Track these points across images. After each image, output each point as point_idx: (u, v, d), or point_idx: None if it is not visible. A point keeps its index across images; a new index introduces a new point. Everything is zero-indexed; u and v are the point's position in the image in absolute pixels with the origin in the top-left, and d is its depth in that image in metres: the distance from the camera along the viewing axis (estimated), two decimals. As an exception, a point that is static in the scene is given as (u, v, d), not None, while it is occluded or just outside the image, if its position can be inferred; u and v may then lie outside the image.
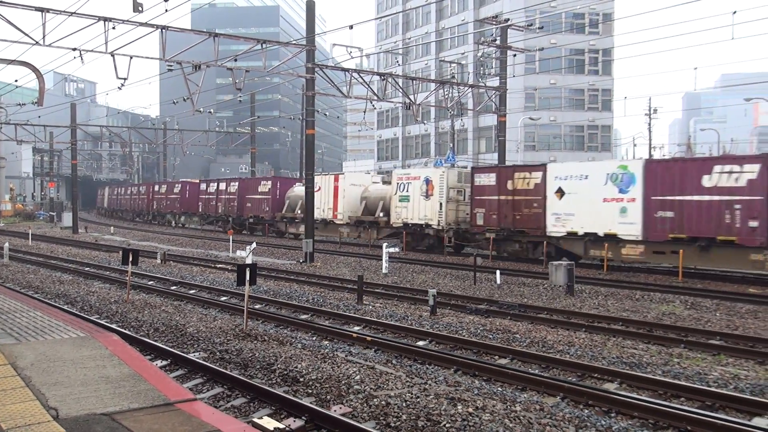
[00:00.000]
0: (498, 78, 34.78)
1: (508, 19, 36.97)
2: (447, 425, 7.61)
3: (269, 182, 44.27)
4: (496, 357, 11.58)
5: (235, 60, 25.17)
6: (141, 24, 23.08)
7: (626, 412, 8.63)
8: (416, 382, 9.51)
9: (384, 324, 14.17)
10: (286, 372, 9.91)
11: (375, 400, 8.51)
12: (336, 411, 8.13)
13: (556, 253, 25.85)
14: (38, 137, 52.81)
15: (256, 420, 7.68)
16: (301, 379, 9.53)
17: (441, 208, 30.79)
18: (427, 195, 31.47)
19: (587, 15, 60.37)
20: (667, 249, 22.69)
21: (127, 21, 22.74)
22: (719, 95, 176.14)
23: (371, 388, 9.02)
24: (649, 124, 61.34)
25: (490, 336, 13.15)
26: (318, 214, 36.26)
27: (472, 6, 65.54)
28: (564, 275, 19.50)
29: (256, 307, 16.58)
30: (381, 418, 7.97)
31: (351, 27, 24.45)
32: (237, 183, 48.08)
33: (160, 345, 11.72)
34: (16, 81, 33.89)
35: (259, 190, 44.37)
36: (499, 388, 9.65)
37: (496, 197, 28.13)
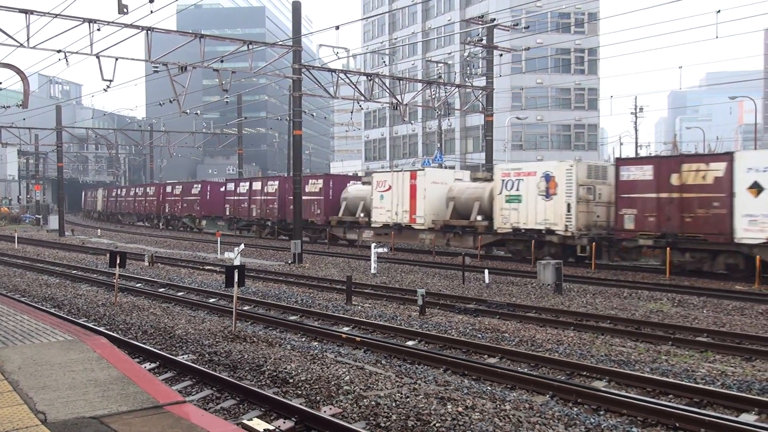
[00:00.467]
0: (485, 78, 34.85)
1: (494, 19, 37.10)
2: (437, 425, 7.62)
3: (320, 181, 38.51)
4: (486, 356, 11.61)
5: (222, 61, 25.07)
6: (126, 25, 22.97)
7: (615, 409, 8.67)
8: (406, 382, 9.51)
9: (373, 324, 14.17)
10: (275, 373, 9.89)
11: (365, 400, 8.51)
12: (326, 412, 8.12)
13: (745, 265, 21.09)
14: (23, 140, 52.48)
15: (245, 422, 7.66)
16: (291, 381, 9.52)
17: (569, 210, 25.43)
18: (548, 194, 26.10)
19: (573, 15, 60.67)
20: None
21: (113, 23, 22.63)
22: (704, 94, 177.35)
23: (361, 389, 9.02)
24: (636, 123, 61.71)
25: (480, 335, 13.18)
26: (386, 218, 32.73)
27: (458, 6, 65.68)
28: (552, 274, 19.58)
29: (245, 308, 16.54)
30: (371, 418, 7.97)
31: (337, 28, 24.43)
32: (277, 182, 42.53)
33: (149, 347, 11.67)
34: (0, 83, 33.68)
35: (308, 191, 38.01)
36: (489, 387, 9.67)
37: (654, 195, 23.05)
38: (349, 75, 28.90)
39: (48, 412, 5.70)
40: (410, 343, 12.68)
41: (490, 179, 29.31)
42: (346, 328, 14.11)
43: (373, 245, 25.17)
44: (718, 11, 27.09)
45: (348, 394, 8.80)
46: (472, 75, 41.89)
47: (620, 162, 24.93)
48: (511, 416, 7.95)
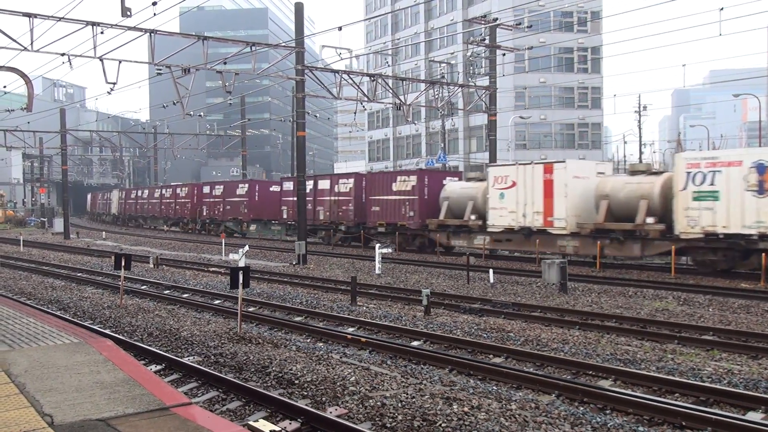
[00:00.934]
0: (488, 77, 34.86)
1: (497, 19, 37.06)
2: (443, 425, 7.62)
3: (412, 178, 32.71)
4: (491, 356, 11.60)
5: (225, 63, 25.13)
6: (129, 28, 23.02)
7: (621, 408, 8.66)
8: (411, 382, 9.51)
9: (378, 325, 14.18)
10: (281, 374, 9.90)
11: (370, 401, 8.51)
12: (332, 413, 8.13)
13: None
14: (28, 143, 52.56)
15: (252, 423, 7.68)
16: (296, 382, 9.53)
17: None
18: (762, 189, 21.04)
19: (575, 13, 60.61)
20: None
21: (116, 25, 22.68)
22: (708, 91, 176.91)
23: (366, 389, 9.02)
24: (639, 122, 61.61)
25: (485, 335, 13.17)
26: (509, 220, 27.41)
27: (461, 6, 65.67)
28: (557, 273, 19.56)
29: (250, 309, 16.56)
30: (377, 419, 7.98)
31: (340, 29, 24.45)
32: (353, 180, 36.79)
33: (155, 349, 11.69)
34: (4, 87, 33.76)
35: (395, 189, 33.15)
36: (495, 387, 9.67)
37: None
38: (352, 76, 28.93)
39: (55, 414, 5.72)
40: (415, 343, 12.68)
41: (658, 172, 24.70)
42: (351, 329, 14.12)
43: (377, 246, 25.14)
44: (722, 8, 27.00)
45: (353, 395, 8.80)
46: (475, 75, 41.91)
47: None
48: (517, 416, 7.94)
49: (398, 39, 74.36)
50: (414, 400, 8.49)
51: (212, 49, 25.20)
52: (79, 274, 25.08)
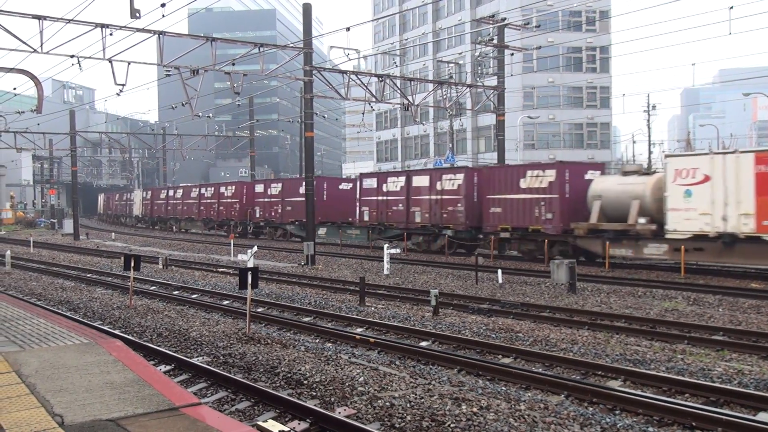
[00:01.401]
0: (496, 77, 34.79)
1: (505, 19, 37.02)
2: (452, 425, 7.61)
3: (550, 172, 26.52)
4: (500, 356, 11.58)
5: (233, 64, 25.17)
6: (138, 30, 23.09)
7: (631, 409, 8.62)
8: (420, 382, 9.51)
9: (387, 325, 14.18)
10: (289, 375, 9.91)
11: (379, 401, 8.52)
12: (340, 413, 8.13)
13: None
14: (38, 145, 52.79)
15: (261, 423, 7.70)
16: (305, 382, 9.54)
17: None
18: None
19: (584, 13, 60.43)
20: None
21: (125, 27, 22.75)
22: (717, 90, 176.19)
23: (375, 390, 9.02)
24: (648, 121, 61.42)
25: (493, 335, 13.15)
26: (701, 224, 21.77)
27: (469, 6, 65.60)
28: (566, 273, 19.52)
29: (259, 310, 16.59)
30: (385, 419, 7.98)
31: (348, 29, 24.46)
32: (462, 175, 30.56)
33: (164, 350, 11.73)
34: (14, 89, 34.00)
35: (523, 186, 27.38)
36: (503, 388, 9.65)
37: None
38: (360, 76, 28.93)
39: (65, 414, 5.75)
40: (424, 343, 12.66)
41: None
42: (359, 329, 14.12)
43: (385, 246, 25.13)
44: (731, 7, 26.89)
45: (362, 395, 8.81)
46: (483, 75, 41.87)
47: None
48: (526, 416, 7.93)
49: (406, 39, 74.34)
50: (423, 400, 8.49)
51: (221, 51, 25.25)
52: (88, 275, 25.20)
